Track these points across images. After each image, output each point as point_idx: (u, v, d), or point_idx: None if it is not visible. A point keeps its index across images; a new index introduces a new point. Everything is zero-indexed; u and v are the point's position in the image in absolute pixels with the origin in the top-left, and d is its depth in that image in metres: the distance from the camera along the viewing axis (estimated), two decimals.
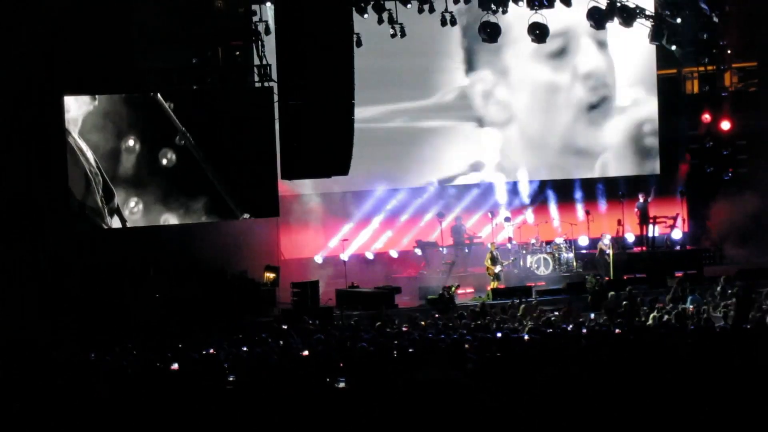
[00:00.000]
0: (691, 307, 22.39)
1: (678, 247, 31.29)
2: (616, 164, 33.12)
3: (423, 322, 22.27)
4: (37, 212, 24.62)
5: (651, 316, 21.77)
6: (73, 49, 24.62)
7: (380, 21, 28.41)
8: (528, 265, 30.14)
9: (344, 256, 28.79)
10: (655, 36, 31.17)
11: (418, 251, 30.61)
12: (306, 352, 15.07)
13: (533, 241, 30.68)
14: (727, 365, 6.91)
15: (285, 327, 22.28)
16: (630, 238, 31.16)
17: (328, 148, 26.32)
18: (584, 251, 31.14)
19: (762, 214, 31.32)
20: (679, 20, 31.37)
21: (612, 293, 24.69)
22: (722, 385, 6.72)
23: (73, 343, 19.52)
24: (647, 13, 31.03)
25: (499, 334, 16.66)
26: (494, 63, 31.98)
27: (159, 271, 26.43)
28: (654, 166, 33.55)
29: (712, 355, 8.66)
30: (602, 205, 32.41)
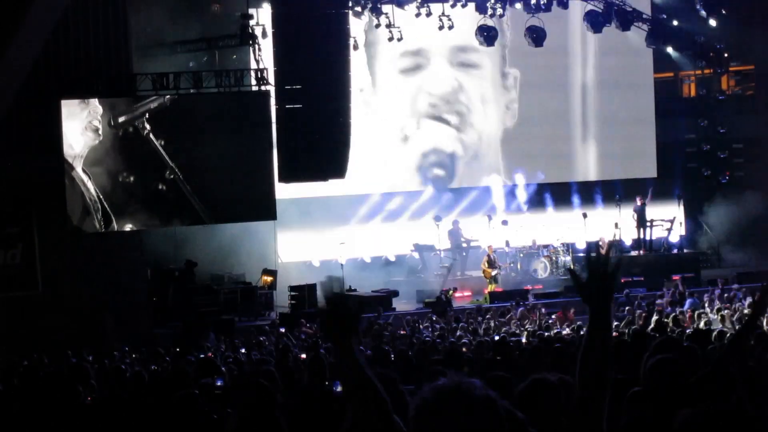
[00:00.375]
0: (689, 310, 22.35)
1: (675, 250, 31.26)
2: (613, 168, 33.12)
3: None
4: (32, 215, 24.60)
5: (651, 319, 21.72)
6: (70, 52, 24.62)
7: (377, 25, 28.46)
8: (526, 268, 30.15)
9: (341, 260, 28.75)
10: (652, 39, 31.25)
11: (416, 254, 30.59)
12: (303, 356, 15.05)
13: (530, 244, 30.65)
14: (724, 370, 6.88)
15: (283, 330, 22.25)
16: (627, 241, 31.14)
17: (325, 151, 26.34)
18: (581, 254, 31.13)
19: (759, 217, 31.31)
20: (675, 22, 31.46)
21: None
22: (718, 390, 6.70)
23: (70, 346, 19.49)
24: (644, 16, 31.11)
25: (496, 337, 16.66)
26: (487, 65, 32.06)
27: (156, 274, 26.43)
28: (651, 170, 33.55)
29: (708, 360, 8.64)
30: (599, 209, 32.35)
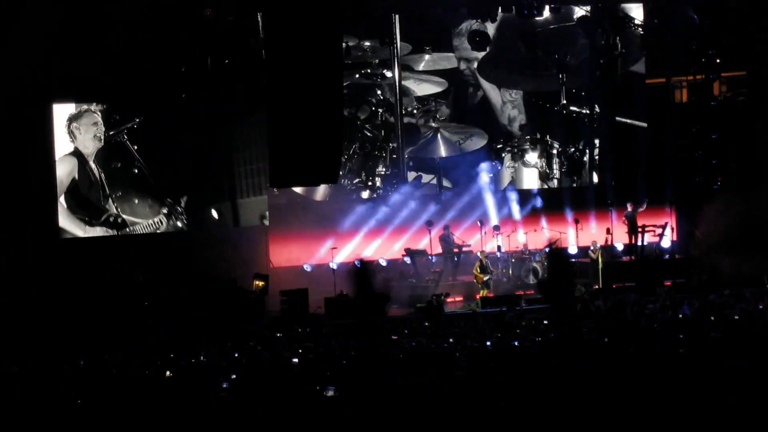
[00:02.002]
0: (681, 315, 22.36)
1: (667, 256, 31.25)
2: (605, 173, 33.10)
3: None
4: (24, 219, 24.59)
5: (640, 324, 21.71)
6: (62, 57, 24.59)
7: None
8: (518, 273, 30.13)
9: (333, 265, 28.74)
10: (645, 44, 31.30)
11: (407, 259, 30.56)
12: (296, 360, 15.06)
13: (522, 249, 30.65)
14: (719, 372, 6.90)
15: (279, 335, 22.21)
16: (619, 246, 31.14)
17: (316, 156, 26.31)
18: (573, 260, 31.13)
19: (750, 223, 31.34)
20: (668, 29, 31.51)
21: (599, 301, 24.64)
22: (714, 392, 6.72)
23: (62, 350, 19.46)
24: (636, 21, 31.15)
25: (488, 343, 16.65)
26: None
27: (148, 279, 26.39)
28: (643, 175, 33.52)
29: (704, 363, 8.67)
30: (591, 214, 32.33)
